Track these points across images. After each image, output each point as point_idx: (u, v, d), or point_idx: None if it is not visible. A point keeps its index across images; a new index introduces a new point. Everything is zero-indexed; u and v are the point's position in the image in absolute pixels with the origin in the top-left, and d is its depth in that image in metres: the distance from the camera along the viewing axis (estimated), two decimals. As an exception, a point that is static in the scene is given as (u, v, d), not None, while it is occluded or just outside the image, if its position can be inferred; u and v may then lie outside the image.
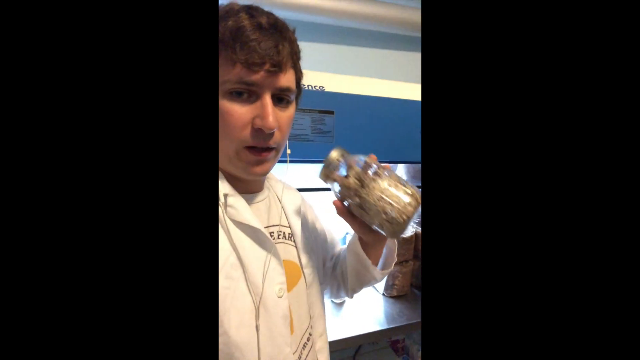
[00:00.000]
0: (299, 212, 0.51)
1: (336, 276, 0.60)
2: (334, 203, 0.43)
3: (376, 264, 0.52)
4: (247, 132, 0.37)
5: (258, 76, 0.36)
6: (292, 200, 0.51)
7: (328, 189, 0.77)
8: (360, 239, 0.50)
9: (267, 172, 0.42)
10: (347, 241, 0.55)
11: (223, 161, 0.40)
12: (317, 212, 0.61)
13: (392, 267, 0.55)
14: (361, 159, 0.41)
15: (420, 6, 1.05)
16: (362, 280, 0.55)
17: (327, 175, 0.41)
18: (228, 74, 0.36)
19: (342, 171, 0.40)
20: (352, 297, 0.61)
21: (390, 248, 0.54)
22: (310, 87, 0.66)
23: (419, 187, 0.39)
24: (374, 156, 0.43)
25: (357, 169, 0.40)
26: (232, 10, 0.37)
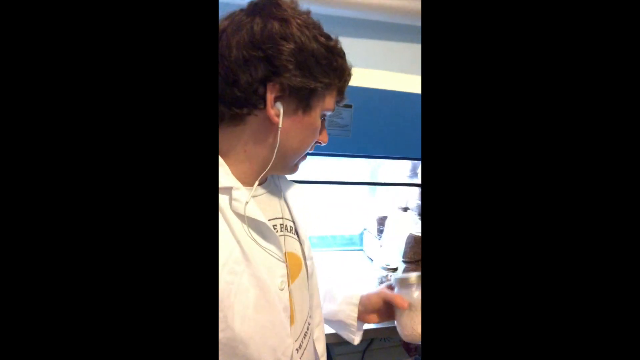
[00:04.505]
0: (303, 205, 0.52)
1: None
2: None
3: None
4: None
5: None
6: (295, 193, 0.52)
7: (341, 183, 0.78)
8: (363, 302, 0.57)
9: None
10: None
11: (281, 159, 0.43)
12: (332, 206, 0.64)
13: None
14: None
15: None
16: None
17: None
18: (329, 104, 0.43)
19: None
20: None
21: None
22: (329, 81, 0.66)
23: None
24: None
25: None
26: (335, 44, 0.41)
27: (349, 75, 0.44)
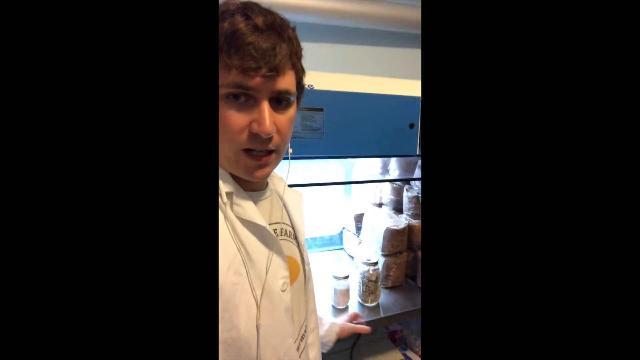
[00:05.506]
0: (301, 211, 0.53)
1: None
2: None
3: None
4: (244, 136, 0.37)
5: (254, 81, 0.35)
6: (294, 199, 0.53)
7: (317, 184, 0.80)
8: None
9: (268, 175, 0.42)
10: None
11: (224, 163, 0.41)
12: (311, 208, 0.65)
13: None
14: None
15: (404, 3, 1.07)
16: None
17: None
18: (224, 79, 0.35)
19: None
20: None
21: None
22: (299, 86, 0.68)
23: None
24: None
25: None
26: (228, 11, 0.36)
27: (238, 39, 0.34)
